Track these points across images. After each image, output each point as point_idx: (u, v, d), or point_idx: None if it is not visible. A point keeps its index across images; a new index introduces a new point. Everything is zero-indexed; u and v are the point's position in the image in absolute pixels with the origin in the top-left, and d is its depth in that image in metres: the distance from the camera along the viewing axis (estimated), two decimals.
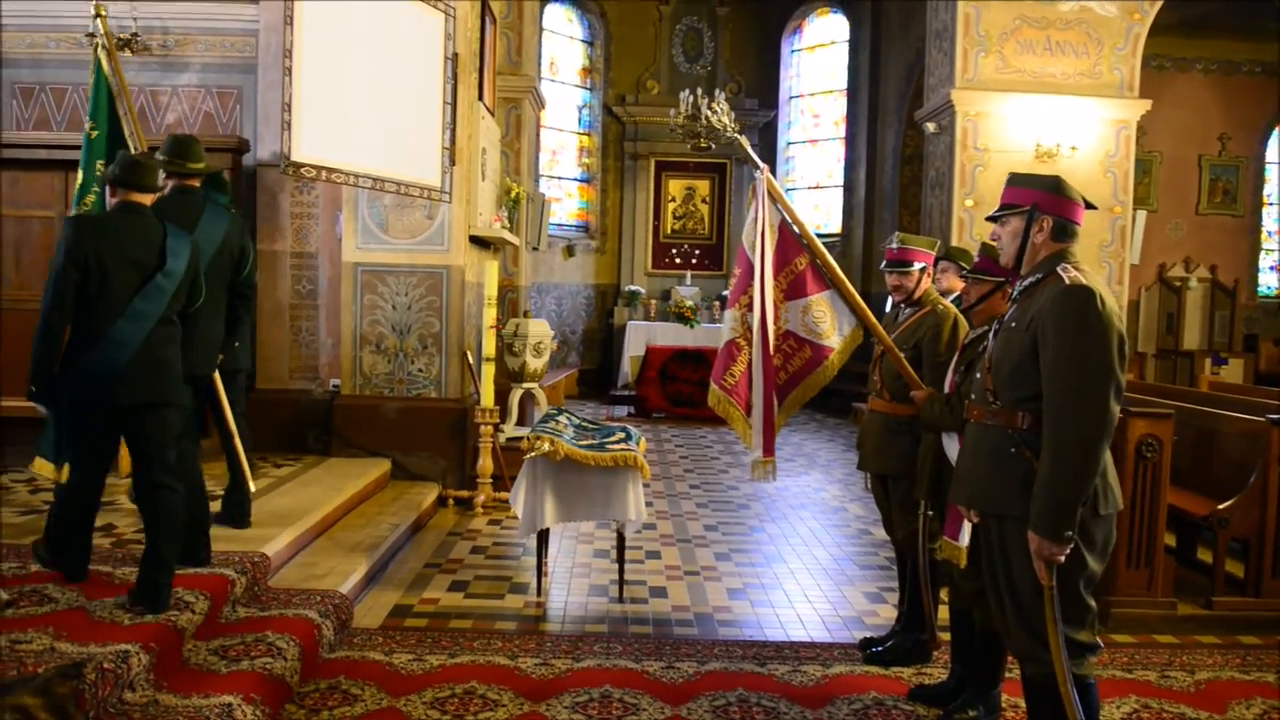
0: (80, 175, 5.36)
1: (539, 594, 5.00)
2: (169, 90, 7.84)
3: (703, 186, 15.55)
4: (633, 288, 15.09)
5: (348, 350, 7.16)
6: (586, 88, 15.81)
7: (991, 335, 3.00)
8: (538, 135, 12.57)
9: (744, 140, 4.33)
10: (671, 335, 13.59)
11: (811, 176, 15.85)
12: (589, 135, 15.87)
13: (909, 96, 12.59)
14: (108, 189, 3.99)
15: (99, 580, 3.95)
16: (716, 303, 14.62)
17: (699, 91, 13.55)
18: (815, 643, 4.43)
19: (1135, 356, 12.79)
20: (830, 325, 3.91)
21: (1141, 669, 4.24)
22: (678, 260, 15.40)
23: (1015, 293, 2.94)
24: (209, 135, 7.61)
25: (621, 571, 5.04)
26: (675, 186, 15.53)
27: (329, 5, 5.66)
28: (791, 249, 3.93)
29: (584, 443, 4.85)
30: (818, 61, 15.79)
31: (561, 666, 4.02)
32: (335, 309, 7.39)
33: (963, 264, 5.79)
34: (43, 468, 4.22)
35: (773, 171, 15.75)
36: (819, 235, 15.12)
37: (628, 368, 13.64)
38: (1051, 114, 8.91)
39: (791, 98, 16.06)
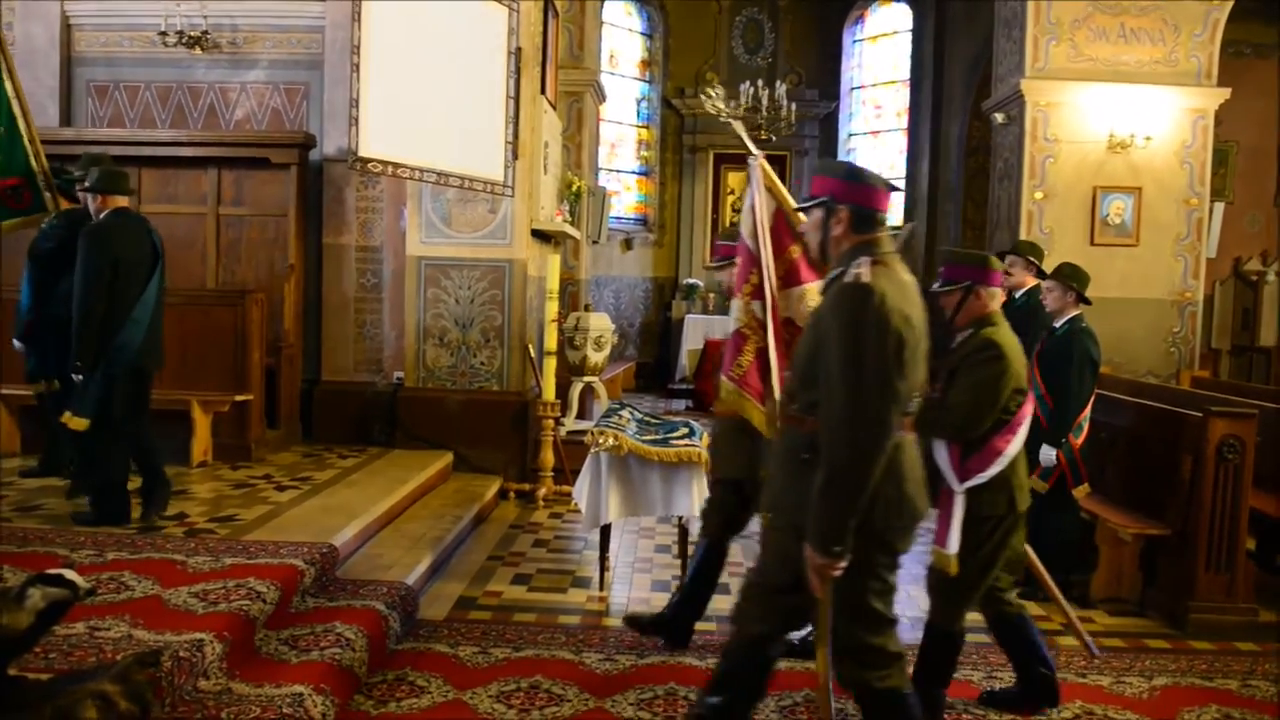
0: None
1: (602, 588, 4.99)
2: (238, 87, 7.98)
3: None
4: (691, 281, 15.03)
5: (411, 343, 7.23)
6: (645, 80, 15.76)
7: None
8: (598, 129, 12.57)
9: (738, 125, 4.19)
10: (731, 329, 13.49)
11: (872, 168, 15.56)
12: (648, 128, 15.82)
13: (975, 87, 12.32)
14: (91, 196, 4.78)
15: (173, 569, 4.02)
16: None
17: (759, 83, 13.48)
18: None
19: (1209, 353, 12.40)
20: None
21: (1222, 677, 4.11)
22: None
23: (822, 288, 2.81)
24: (276, 130, 7.76)
25: (684, 567, 5.01)
26: (734, 179, 15.41)
27: (395, 2, 5.70)
28: (786, 237, 3.84)
29: (647, 438, 4.83)
30: (880, 52, 15.55)
31: (626, 662, 4.01)
32: (399, 302, 7.46)
33: (1032, 258, 5.71)
34: (74, 421, 4.71)
35: None
36: None
37: (685, 361, 13.58)
38: (1125, 103, 8.65)
39: (853, 89, 15.84)
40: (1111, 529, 4.98)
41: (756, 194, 3.79)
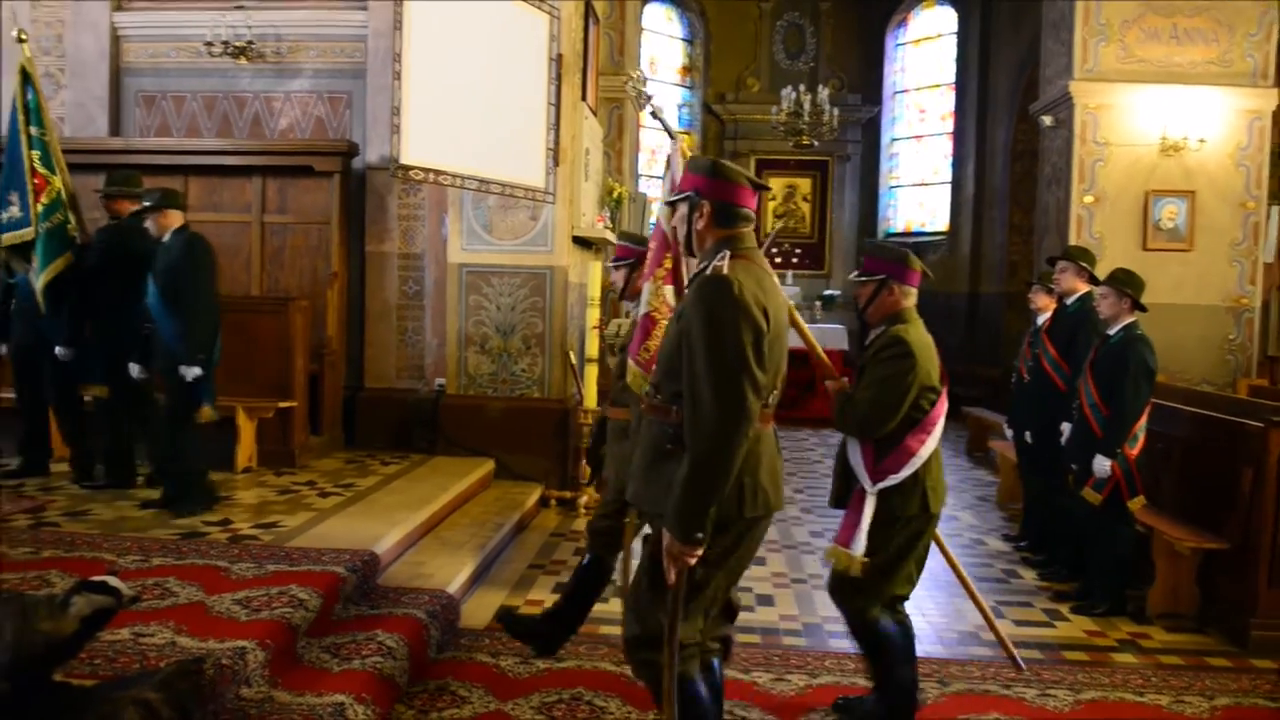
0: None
1: None
2: (282, 96, 8.05)
3: (804, 184, 15.33)
4: None
5: (453, 350, 7.23)
6: (686, 86, 15.74)
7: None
8: (638, 135, 12.54)
9: (658, 108, 4.12)
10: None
11: (917, 173, 15.47)
12: (688, 134, 15.78)
13: (1021, 89, 12.15)
14: (152, 213, 5.17)
15: (216, 576, 4.03)
16: (818, 302, 14.37)
17: (801, 88, 13.39)
18: (930, 658, 4.27)
19: (1267, 361, 12.07)
20: None
21: None
22: (778, 260, 15.16)
23: (688, 282, 2.81)
24: (320, 139, 7.82)
25: None
26: (776, 185, 15.33)
27: (436, 9, 5.70)
28: None
29: None
30: (924, 55, 15.40)
31: None
32: (441, 309, 7.47)
33: (1084, 264, 5.58)
34: (206, 413, 5.25)
35: (875, 168, 15.50)
36: (923, 233, 14.86)
37: None
38: (1178, 105, 8.45)
39: (896, 93, 15.70)
40: (1168, 542, 4.83)
41: (677, 178, 3.71)
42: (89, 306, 5.66)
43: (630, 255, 4.27)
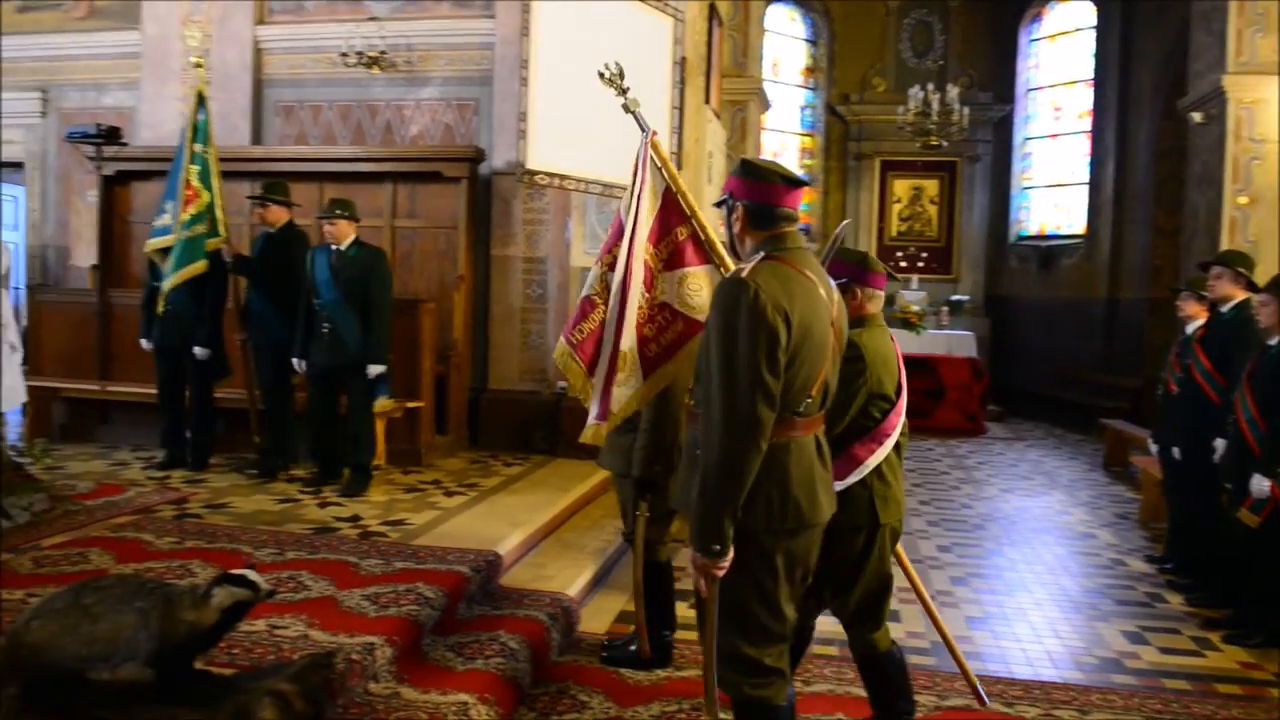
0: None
1: None
2: (413, 104, 8.27)
3: (931, 186, 14.91)
4: None
5: None
6: (809, 88, 15.52)
7: None
8: (760, 138, 12.42)
9: (634, 101, 3.96)
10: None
11: (1052, 173, 14.84)
12: (811, 136, 15.57)
13: (1166, 85, 11.52)
14: (337, 221, 5.68)
15: (346, 571, 4.14)
16: (945, 308, 13.97)
17: (929, 87, 13.03)
18: (1070, 684, 4.05)
19: None
20: (705, 299, 3.62)
21: None
22: (903, 264, 14.83)
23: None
24: (448, 145, 7.99)
25: None
26: (901, 187, 14.97)
27: (562, 16, 5.76)
28: (674, 217, 3.70)
29: None
30: (1060, 51, 14.78)
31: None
32: (563, 313, 7.53)
33: (1241, 269, 5.22)
34: (385, 405, 5.98)
35: (1007, 169, 14.97)
36: (1059, 236, 14.27)
37: None
38: None
39: (1030, 90, 15.11)
40: None
41: (645, 172, 3.68)
42: (251, 307, 6.13)
43: None
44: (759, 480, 2.44)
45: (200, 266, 5.95)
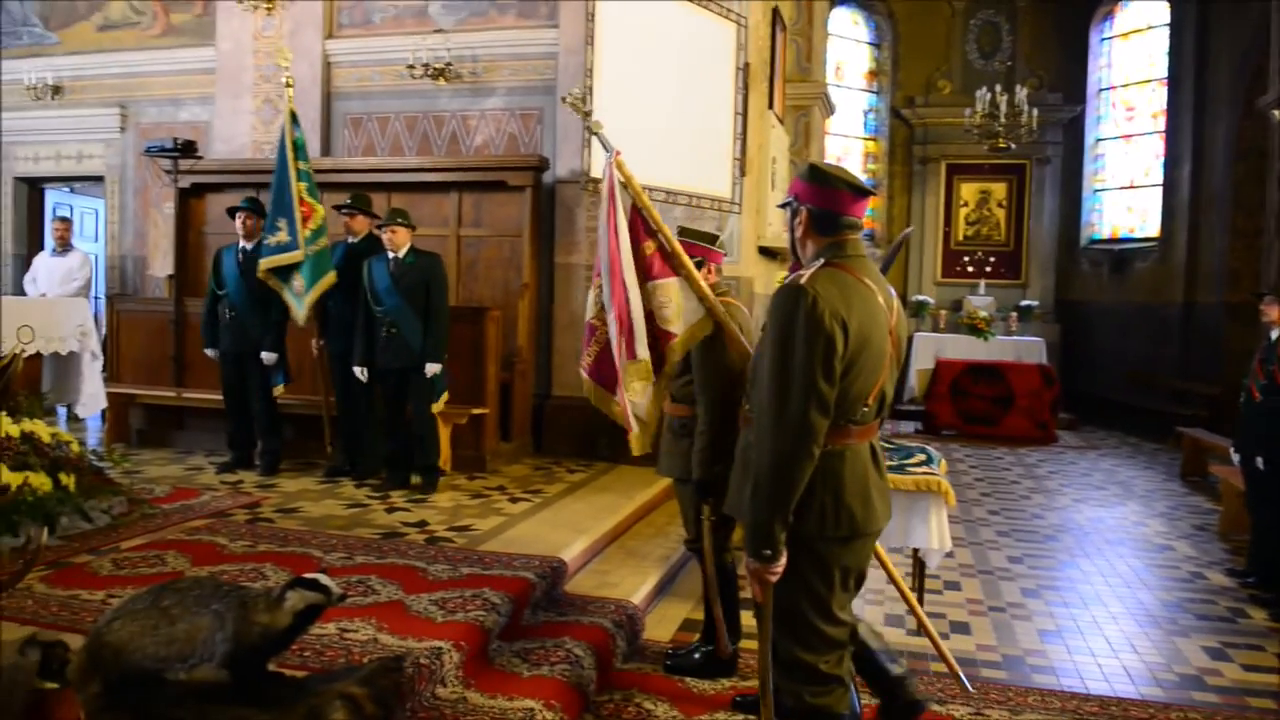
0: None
1: None
2: (478, 114, 8.37)
3: (999, 189, 14.63)
4: (920, 298, 14.46)
5: None
6: (873, 91, 15.36)
7: None
8: (824, 143, 12.32)
9: (597, 124, 4.01)
10: (963, 348, 12.84)
11: (1124, 175, 14.48)
12: (875, 140, 15.40)
13: (1245, 82, 11.16)
14: (398, 229, 5.91)
15: (414, 576, 4.19)
16: (1014, 313, 13.69)
17: (997, 88, 12.81)
18: (1148, 701, 3.93)
19: None
20: (674, 311, 3.71)
21: None
22: (970, 268, 14.59)
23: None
24: (512, 155, 8.06)
25: (920, 602, 4.73)
26: (968, 190, 14.72)
27: (626, 24, 5.77)
28: (641, 233, 3.78)
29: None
30: (1132, 49, 14.42)
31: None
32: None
33: None
34: (441, 404, 6.11)
35: (1080, 169, 14.63)
36: (1133, 239, 13.92)
37: (914, 382, 13.05)
38: None
39: (1101, 90, 14.76)
40: None
41: (615, 190, 3.77)
42: (327, 313, 6.31)
43: (695, 254, 4.23)
44: (813, 487, 2.45)
45: (331, 279, 6.18)
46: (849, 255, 2.55)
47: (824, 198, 2.57)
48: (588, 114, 4.02)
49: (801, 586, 2.53)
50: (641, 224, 3.82)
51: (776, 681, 2.63)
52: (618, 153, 3.83)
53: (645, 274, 3.79)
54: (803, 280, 2.44)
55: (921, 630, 3.89)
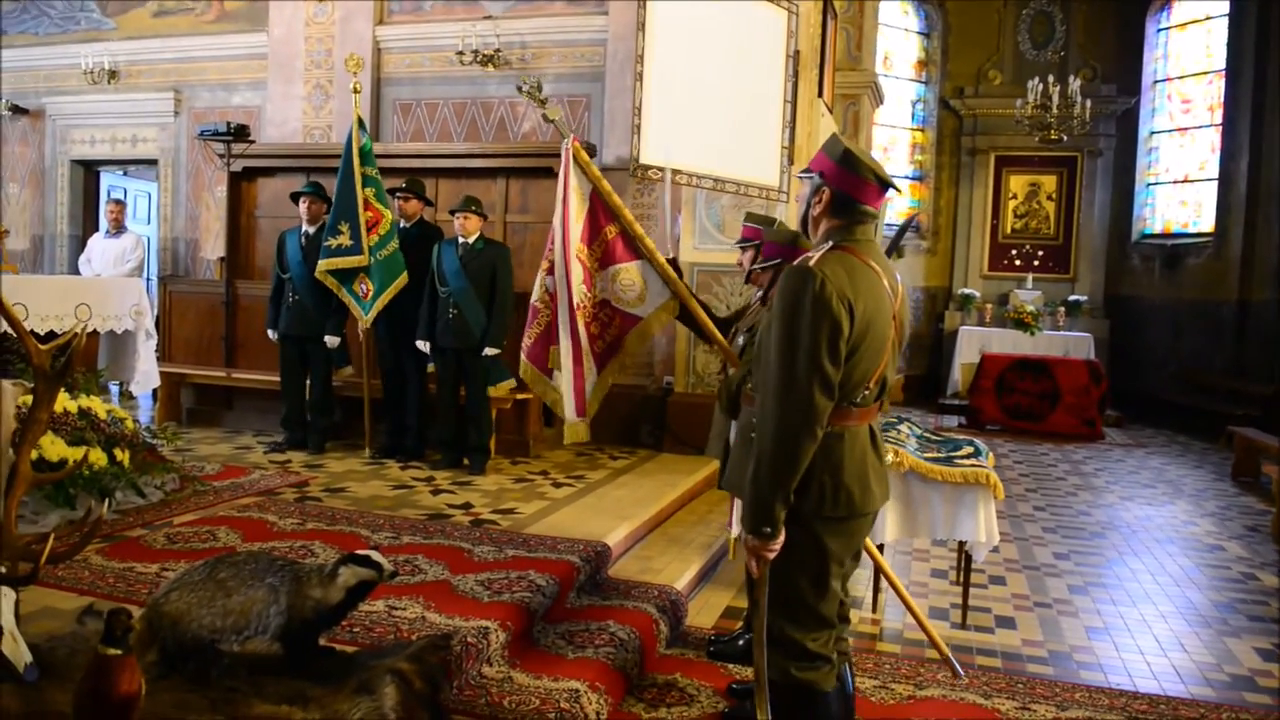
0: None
1: (874, 610, 4.77)
2: (525, 101, 8.35)
3: (1049, 182, 14.40)
4: (966, 291, 14.29)
5: (682, 348, 7.28)
6: (921, 81, 15.17)
7: None
8: (871, 132, 12.21)
9: (553, 110, 4.14)
10: (1009, 342, 12.68)
11: (1179, 168, 14.18)
12: (922, 130, 15.22)
13: None
14: (470, 216, 6.07)
15: (460, 556, 4.23)
16: (1061, 308, 13.49)
17: (1049, 79, 12.61)
18: (1198, 700, 3.86)
19: None
20: (639, 294, 3.78)
21: None
22: (1018, 262, 14.38)
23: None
24: (560, 141, 8.05)
25: (966, 596, 4.69)
26: (1017, 183, 14.50)
27: (676, 10, 5.74)
28: (603, 217, 3.84)
29: (928, 455, 4.56)
30: (1189, 40, 14.10)
31: (902, 692, 3.78)
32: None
33: None
34: (503, 389, 6.35)
35: (1133, 162, 14.36)
36: (1186, 234, 13.65)
37: (958, 376, 12.92)
38: None
39: (1156, 82, 14.46)
40: None
41: (570, 176, 3.84)
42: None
43: (756, 237, 4.25)
44: (813, 467, 2.47)
45: (403, 281, 6.28)
46: (857, 239, 2.57)
47: (850, 183, 2.57)
48: (543, 102, 4.15)
49: (798, 565, 2.57)
50: (602, 208, 3.90)
51: (767, 656, 2.66)
52: (574, 139, 3.92)
53: (608, 258, 3.86)
54: (811, 262, 2.46)
55: (908, 611, 3.91)
